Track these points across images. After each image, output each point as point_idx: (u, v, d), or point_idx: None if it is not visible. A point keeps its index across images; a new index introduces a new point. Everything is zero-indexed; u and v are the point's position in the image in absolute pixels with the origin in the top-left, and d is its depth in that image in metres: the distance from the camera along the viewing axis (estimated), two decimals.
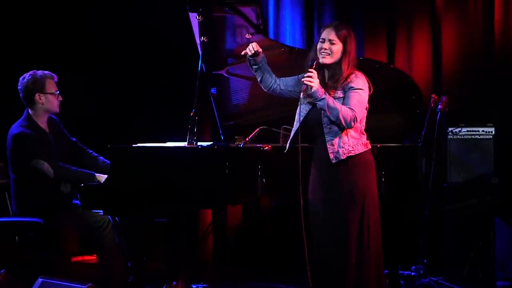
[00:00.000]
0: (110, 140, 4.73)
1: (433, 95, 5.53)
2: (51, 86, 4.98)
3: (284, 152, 4.31)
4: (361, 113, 4.14)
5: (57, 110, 5.03)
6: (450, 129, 5.59)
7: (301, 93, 4.13)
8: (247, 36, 4.97)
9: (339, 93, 4.15)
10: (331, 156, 4.15)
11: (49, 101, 4.97)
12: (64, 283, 4.40)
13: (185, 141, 4.66)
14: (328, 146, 4.16)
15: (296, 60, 5.09)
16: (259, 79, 4.38)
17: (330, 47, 4.16)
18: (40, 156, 4.82)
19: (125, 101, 6.57)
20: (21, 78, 4.99)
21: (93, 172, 4.88)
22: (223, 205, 6.29)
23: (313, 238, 4.26)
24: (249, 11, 4.90)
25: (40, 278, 4.42)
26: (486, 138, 5.53)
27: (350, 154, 4.14)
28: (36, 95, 4.93)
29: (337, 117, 4.07)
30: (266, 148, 4.63)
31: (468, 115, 5.80)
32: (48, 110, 5.00)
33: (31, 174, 4.86)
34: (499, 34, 6.06)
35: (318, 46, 4.20)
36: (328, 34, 4.18)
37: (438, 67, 6.25)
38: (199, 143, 4.66)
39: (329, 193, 4.18)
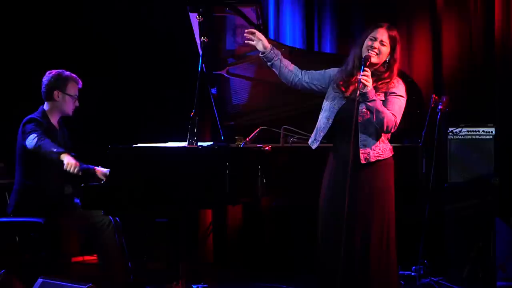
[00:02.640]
0: (111, 141, 4.73)
1: (433, 95, 5.53)
2: (72, 88, 5.06)
3: (313, 148, 4.25)
4: (399, 120, 4.13)
5: (70, 113, 5.11)
6: (450, 129, 5.58)
7: (357, 91, 4.02)
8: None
9: (381, 96, 4.13)
10: (362, 156, 4.12)
11: (66, 101, 5.04)
12: (64, 283, 4.40)
13: (186, 142, 4.65)
14: (360, 146, 4.12)
15: (296, 60, 5.08)
16: (277, 73, 4.34)
17: (380, 47, 4.14)
18: (37, 132, 4.81)
19: (125, 102, 6.56)
20: (48, 72, 5.07)
21: (62, 149, 4.75)
22: (223, 205, 6.29)
23: (325, 237, 4.20)
24: (249, 11, 4.89)
25: (40, 278, 4.42)
26: (486, 138, 5.53)
27: (379, 158, 4.15)
28: (55, 91, 5.01)
29: (381, 121, 4.05)
30: (266, 148, 4.63)
31: (468, 115, 5.80)
32: (62, 111, 5.07)
33: (37, 167, 4.87)
34: (499, 34, 6.06)
35: (367, 43, 4.16)
36: (381, 35, 4.15)
37: (438, 67, 6.25)
38: (199, 144, 4.66)
39: (353, 197, 4.09)
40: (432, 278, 5.51)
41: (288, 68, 4.32)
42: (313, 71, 4.35)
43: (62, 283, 4.40)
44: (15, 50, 6.46)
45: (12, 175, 5.28)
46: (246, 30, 4.33)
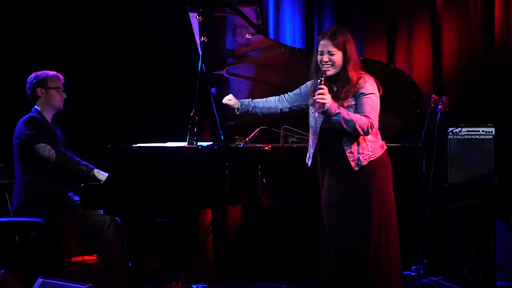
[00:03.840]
0: (110, 140, 4.73)
1: (433, 95, 5.53)
2: (53, 82, 5.09)
3: (308, 167, 4.27)
4: (376, 118, 4.09)
5: (61, 106, 5.12)
6: (450, 129, 5.58)
7: (316, 112, 4.03)
8: (247, 36, 4.97)
9: (351, 101, 4.11)
10: (353, 164, 4.10)
11: (51, 95, 5.07)
12: (64, 283, 4.40)
13: (185, 141, 4.65)
14: (347, 154, 4.11)
15: (296, 60, 5.09)
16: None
17: (330, 58, 4.08)
18: (45, 140, 4.89)
19: (125, 101, 6.57)
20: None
21: (93, 166, 4.91)
22: (223, 205, 6.29)
23: (323, 239, 4.21)
24: (249, 11, 4.90)
25: (40, 278, 4.42)
26: (486, 138, 5.52)
27: (371, 159, 4.13)
28: (38, 89, 5.05)
29: (354, 128, 4.02)
30: (266, 148, 4.63)
31: (468, 115, 5.80)
32: (52, 106, 5.09)
33: (37, 163, 4.89)
34: (499, 34, 6.06)
35: (318, 58, 4.11)
36: (326, 46, 4.08)
37: (438, 67, 6.25)
38: (199, 143, 4.66)
39: (350, 198, 4.13)
40: (432, 278, 5.51)
41: (266, 107, 4.42)
42: (290, 94, 4.40)
43: (62, 283, 4.40)
44: (14, 50, 6.46)
45: (12, 175, 5.28)
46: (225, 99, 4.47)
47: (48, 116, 5.09)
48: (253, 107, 4.45)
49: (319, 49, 4.11)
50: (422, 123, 5.36)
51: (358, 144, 4.11)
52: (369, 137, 4.13)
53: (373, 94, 4.11)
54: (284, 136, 4.95)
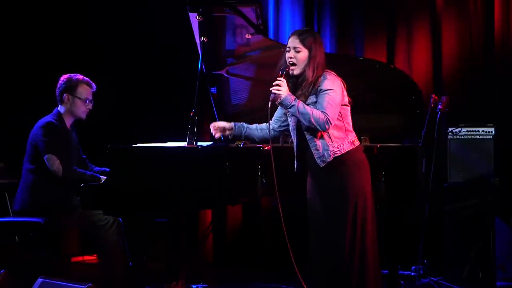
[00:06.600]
0: (111, 140, 4.73)
1: (433, 95, 5.53)
2: (82, 91, 5.06)
3: (295, 171, 4.31)
4: (334, 113, 4.09)
5: (83, 117, 5.11)
6: (450, 129, 5.58)
7: (269, 103, 4.13)
8: (247, 36, 4.97)
9: (312, 98, 4.14)
10: (318, 161, 4.14)
11: (75, 104, 5.05)
12: (64, 283, 4.40)
13: (185, 141, 4.65)
14: (313, 151, 4.16)
15: None
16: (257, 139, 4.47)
17: (295, 55, 4.14)
18: (57, 152, 4.87)
19: (125, 102, 6.57)
20: (62, 76, 5.09)
21: (99, 175, 4.91)
22: (223, 205, 6.29)
23: (311, 239, 4.27)
24: (249, 11, 4.90)
25: (40, 278, 4.42)
26: (486, 138, 5.52)
27: (336, 155, 4.13)
28: (65, 95, 5.03)
29: (309, 121, 4.06)
30: (266, 148, 4.63)
31: (468, 115, 5.80)
32: (74, 114, 5.08)
33: (45, 169, 4.89)
34: (499, 34, 6.06)
35: (285, 55, 4.18)
36: (293, 42, 4.15)
37: (438, 67, 6.26)
38: (199, 143, 4.66)
39: (322, 195, 4.17)
40: (431, 278, 5.51)
41: (259, 128, 4.45)
42: (276, 114, 4.43)
43: (62, 283, 4.41)
44: (14, 51, 6.46)
45: (12, 175, 5.29)
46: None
47: (68, 121, 5.07)
48: (246, 128, 4.46)
49: (288, 45, 4.18)
50: (422, 123, 5.36)
51: (323, 141, 4.14)
52: (335, 133, 4.15)
53: (331, 90, 4.11)
54: (284, 136, 4.94)
